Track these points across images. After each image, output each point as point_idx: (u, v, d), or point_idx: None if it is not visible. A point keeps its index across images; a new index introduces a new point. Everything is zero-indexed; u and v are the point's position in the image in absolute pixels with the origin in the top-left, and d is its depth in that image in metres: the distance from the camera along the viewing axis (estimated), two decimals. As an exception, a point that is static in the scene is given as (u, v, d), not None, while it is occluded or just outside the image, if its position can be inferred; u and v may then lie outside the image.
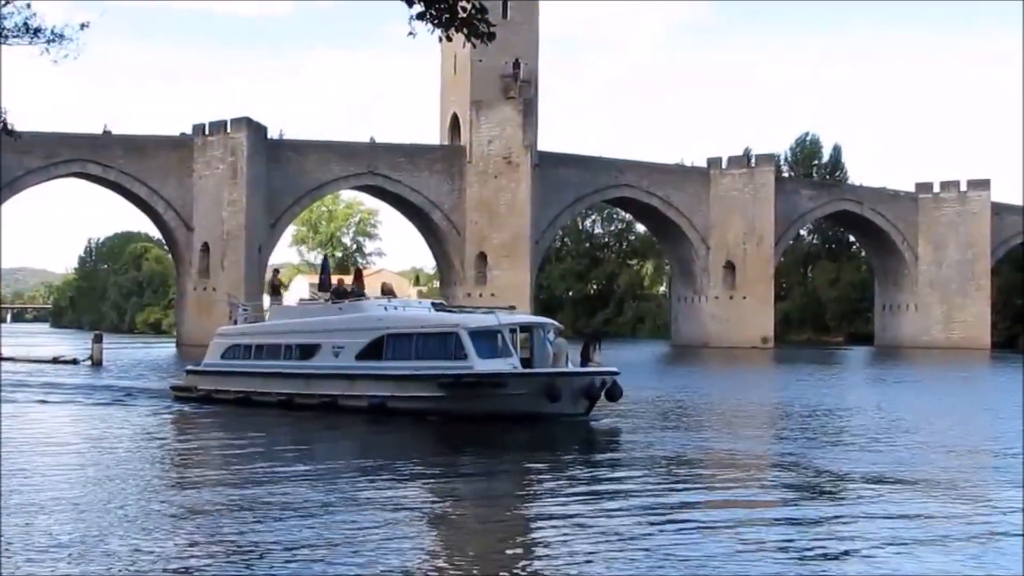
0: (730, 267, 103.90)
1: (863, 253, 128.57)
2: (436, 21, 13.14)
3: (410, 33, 13.11)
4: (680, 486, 20.65)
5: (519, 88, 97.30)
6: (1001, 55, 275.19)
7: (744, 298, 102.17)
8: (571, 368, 31.81)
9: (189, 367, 41.07)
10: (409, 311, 35.41)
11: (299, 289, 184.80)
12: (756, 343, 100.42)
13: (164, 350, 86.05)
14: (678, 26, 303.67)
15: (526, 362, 31.99)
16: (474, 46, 13.71)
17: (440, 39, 13.72)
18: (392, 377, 32.97)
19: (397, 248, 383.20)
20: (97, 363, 61.49)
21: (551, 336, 33.17)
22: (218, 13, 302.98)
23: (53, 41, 15.98)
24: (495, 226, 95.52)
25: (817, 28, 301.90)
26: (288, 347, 36.42)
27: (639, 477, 21.74)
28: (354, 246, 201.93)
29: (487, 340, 31.65)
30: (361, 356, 33.99)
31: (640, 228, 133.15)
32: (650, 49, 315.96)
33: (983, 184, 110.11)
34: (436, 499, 19.51)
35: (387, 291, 38.36)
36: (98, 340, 65.33)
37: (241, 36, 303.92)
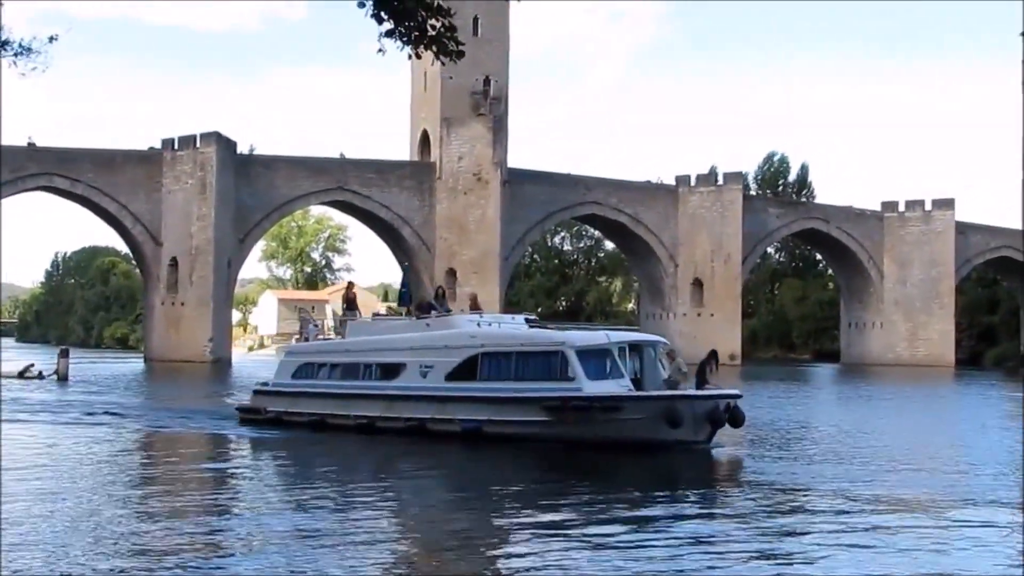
0: (698, 284, 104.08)
1: (829, 271, 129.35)
2: (405, 39, 13.05)
3: (380, 50, 12.97)
4: (861, 535, 17.66)
5: (489, 105, 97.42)
6: (966, 76, 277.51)
7: (712, 315, 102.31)
8: (693, 391, 28.93)
9: (256, 387, 37.91)
10: (505, 327, 32.65)
11: (267, 304, 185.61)
12: (724, 360, 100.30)
13: (131, 365, 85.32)
14: (647, 46, 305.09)
15: (636, 383, 29.36)
16: (443, 64, 13.61)
17: (409, 56, 13.58)
18: (489, 399, 30.29)
19: (366, 264, 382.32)
20: (63, 378, 60.48)
21: (662, 355, 30.56)
22: (187, 28, 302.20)
23: (21, 54, 15.39)
24: (464, 242, 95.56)
25: (784, 49, 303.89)
26: (368, 366, 33.73)
27: (791, 524, 18.56)
28: (323, 261, 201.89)
29: (595, 359, 29.12)
30: (452, 376, 31.29)
31: (609, 245, 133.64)
32: (620, 68, 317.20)
33: (947, 203, 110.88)
34: (547, 536, 17.43)
35: (475, 306, 36.14)
36: (64, 355, 64.43)
37: (211, 52, 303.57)
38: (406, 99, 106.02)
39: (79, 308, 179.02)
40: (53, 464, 25.48)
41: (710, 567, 15.08)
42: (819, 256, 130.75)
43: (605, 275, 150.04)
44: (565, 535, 17.34)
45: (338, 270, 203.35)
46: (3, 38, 15.57)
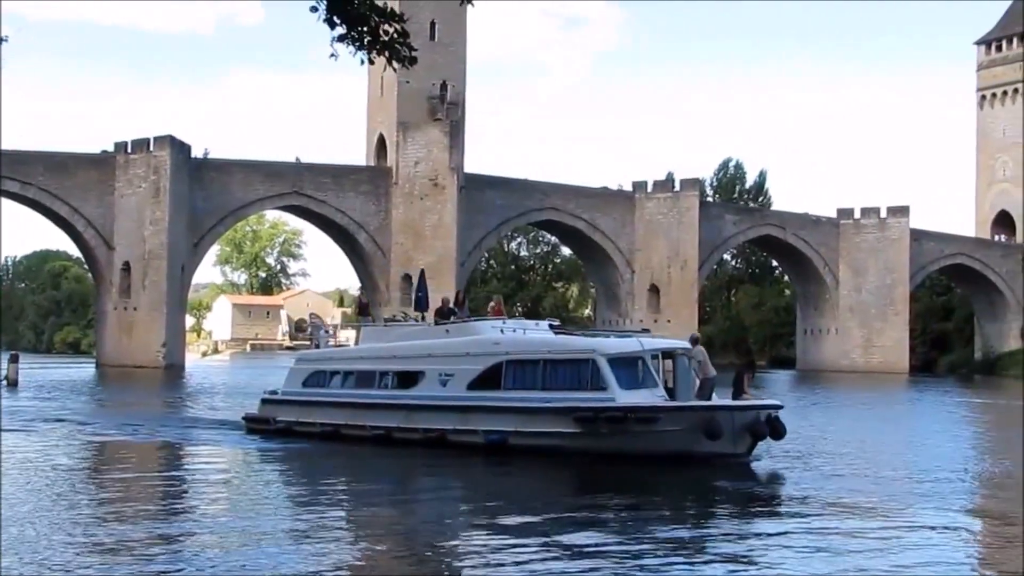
0: (655, 290, 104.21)
1: (786, 278, 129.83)
2: (358, 44, 13.00)
3: (332, 55, 12.95)
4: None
5: (446, 110, 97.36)
6: (922, 85, 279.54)
7: (668, 321, 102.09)
8: (733, 401, 27.83)
9: (265, 395, 35.85)
10: (531, 334, 30.59)
11: (221, 309, 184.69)
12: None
13: (83, 371, 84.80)
14: (606, 52, 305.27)
15: (668, 393, 27.91)
16: (395, 70, 13.45)
17: (362, 62, 13.30)
18: (515, 410, 28.73)
19: (321, 269, 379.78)
20: (13, 384, 58.82)
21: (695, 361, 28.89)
22: (142, 31, 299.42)
23: None
24: (421, 248, 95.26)
25: (743, 57, 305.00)
26: (384, 374, 32.07)
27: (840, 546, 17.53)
28: (278, 267, 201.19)
29: (627, 368, 27.80)
30: (475, 385, 29.73)
31: (566, 251, 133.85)
32: (579, 73, 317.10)
33: (902, 211, 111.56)
34: (579, 557, 16.29)
35: (498, 311, 34.31)
36: (14, 360, 62.85)
37: (165, 55, 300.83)
38: (362, 104, 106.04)
39: (29, 313, 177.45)
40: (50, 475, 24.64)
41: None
42: (775, 263, 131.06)
43: (562, 281, 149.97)
44: (599, 556, 16.43)
45: (293, 275, 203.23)
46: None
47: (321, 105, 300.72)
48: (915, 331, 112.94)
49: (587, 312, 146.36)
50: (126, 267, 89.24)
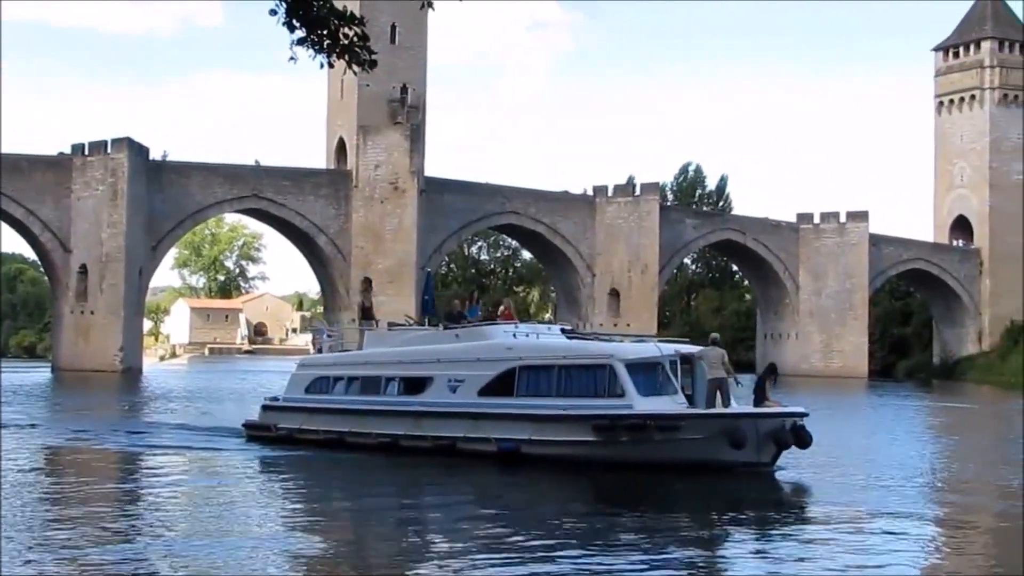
0: (615, 295, 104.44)
1: (746, 282, 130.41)
2: (317, 47, 13.01)
3: (291, 58, 12.98)
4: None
5: (406, 114, 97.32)
6: (880, 91, 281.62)
7: (628, 325, 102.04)
8: (757, 408, 27.19)
9: (265, 402, 34.91)
10: (544, 339, 29.90)
11: (179, 313, 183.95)
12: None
13: (39, 375, 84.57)
14: (566, 56, 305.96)
15: (687, 399, 27.17)
16: (355, 73, 13.36)
17: (322, 65, 13.42)
18: (528, 417, 27.76)
19: (281, 273, 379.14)
20: None
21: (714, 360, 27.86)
22: (99, 31, 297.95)
23: None
24: (381, 251, 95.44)
25: (703, 63, 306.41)
26: (390, 380, 31.04)
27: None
28: (237, 270, 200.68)
29: (646, 374, 26.91)
30: (486, 391, 28.78)
31: (526, 255, 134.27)
32: (539, 77, 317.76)
33: (862, 216, 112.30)
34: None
35: (508, 315, 32.93)
36: None
37: (123, 56, 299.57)
38: (322, 106, 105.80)
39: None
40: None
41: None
42: (735, 267, 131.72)
43: (523, 285, 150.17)
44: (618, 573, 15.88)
45: (252, 279, 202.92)
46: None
47: (281, 108, 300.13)
48: (874, 335, 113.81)
49: (547, 316, 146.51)
50: (83, 270, 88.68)
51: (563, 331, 31.06)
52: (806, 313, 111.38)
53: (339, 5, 13.40)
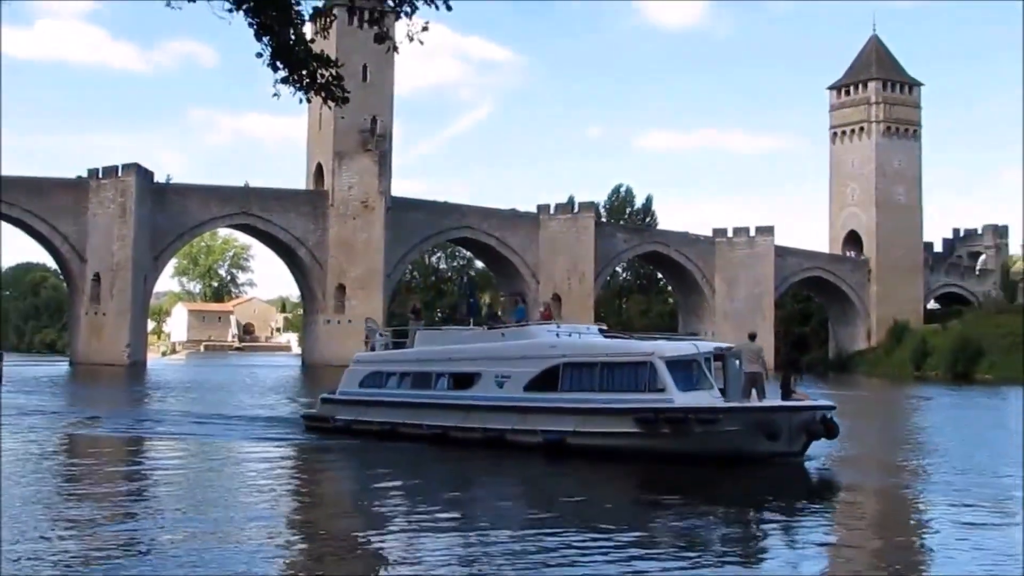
0: (557, 299, 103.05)
1: (669, 288, 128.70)
2: (298, 85, 12.74)
3: (275, 94, 12.83)
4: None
5: (375, 141, 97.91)
6: (786, 123, 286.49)
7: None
8: (790, 402, 25.59)
9: (323, 395, 33.16)
10: (585, 338, 28.53)
11: (179, 315, 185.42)
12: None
13: (58, 368, 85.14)
14: (513, 92, 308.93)
15: (721, 393, 25.70)
16: (330, 108, 14.44)
17: (301, 100, 13.05)
18: (573, 410, 26.30)
19: (266, 279, 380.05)
20: None
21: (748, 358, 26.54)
22: (112, 70, 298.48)
23: None
24: (353, 261, 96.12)
25: (631, 97, 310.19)
26: (440, 375, 29.71)
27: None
28: (229, 277, 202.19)
29: (684, 370, 25.58)
30: (532, 387, 27.35)
31: (480, 264, 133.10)
32: (490, 110, 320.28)
33: (768, 230, 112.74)
34: (645, 558, 14.60)
35: (548, 315, 31.50)
36: None
37: (132, 91, 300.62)
38: (303, 136, 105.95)
39: (13, 317, 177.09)
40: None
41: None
42: (660, 275, 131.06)
43: (476, 290, 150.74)
44: (664, 555, 14.96)
45: (242, 285, 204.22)
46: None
47: (267, 137, 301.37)
48: (779, 334, 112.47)
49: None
50: (96, 278, 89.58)
51: (601, 331, 29.99)
52: (721, 315, 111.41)
53: (316, 48, 13.25)
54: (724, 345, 27.52)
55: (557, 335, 28.38)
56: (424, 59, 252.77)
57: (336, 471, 25.39)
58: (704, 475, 23.17)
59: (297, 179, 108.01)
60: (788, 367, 28.29)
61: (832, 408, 25.52)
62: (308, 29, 13.61)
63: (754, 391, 25.83)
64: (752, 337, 27.75)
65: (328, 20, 14.65)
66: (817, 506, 20.81)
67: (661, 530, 17.16)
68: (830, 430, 24.98)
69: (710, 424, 24.54)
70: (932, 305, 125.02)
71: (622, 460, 24.74)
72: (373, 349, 33.11)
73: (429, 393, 29.70)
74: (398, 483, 22.41)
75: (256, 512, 18.01)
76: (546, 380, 27.14)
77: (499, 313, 33.31)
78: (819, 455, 25.74)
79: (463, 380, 29.14)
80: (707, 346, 26.94)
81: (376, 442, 28.86)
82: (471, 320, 33.20)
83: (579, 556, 14.47)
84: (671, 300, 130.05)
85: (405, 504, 19.66)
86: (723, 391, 25.64)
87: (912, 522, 18.97)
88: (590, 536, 16.02)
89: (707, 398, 25.15)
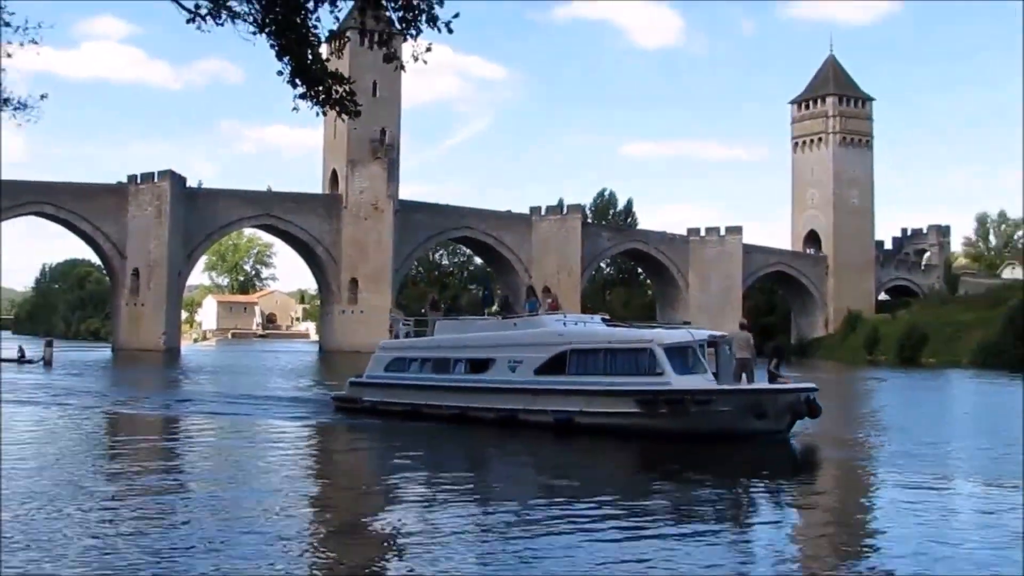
0: (547, 291, 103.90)
1: (648, 282, 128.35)
2: (315, 100, 12.68)
3: (294, 108, 12.85)
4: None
5: (385, 150, 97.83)
6: (754, 133, 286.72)
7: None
8: (776, 385, 25.39)
9: (352, 379, 32.80)
10: (590, 327, 28.45)
11: (209, 306, 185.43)
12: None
13: (101, 353, 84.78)
14: (509, 105, 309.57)
15: (714, 377, 25.60)
16: (344, 120, 14.12)
17: (317, 114, 12.96)
18: (580, 392, 26.18)
19: (287, 274, 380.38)
20: (48, 363, 59.31)
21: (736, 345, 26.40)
22: (149, 85, 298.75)
23: (19, 109, 14.93)
24: (364, 258, 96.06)
25: (616, 111, 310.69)
26: (457, 361, 29.56)
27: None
28: (253, 272, 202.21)
29: (680, 355, 25.39)
30: (542, 371, 27.21)
31: (478, 260, 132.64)
32: (488, 121, 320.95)
33: (737, 230, 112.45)
34: (649, 529, 14.37)
35: (555, 306, 31.59)
36: (49, 344, 63.92)
37: (168, 105, 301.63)
38: (320, 145, 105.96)
39: (61, 308, 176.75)
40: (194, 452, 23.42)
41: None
42: (640, 270, 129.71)
43: (475, 284, 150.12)
44: (662, 522, 14.97)
45: (265, 279, 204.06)
46: (4, 96, 15.08)
47: (288, 146, 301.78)
48: (747, 323, 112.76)
49: (495, 308, 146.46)
50: (135, 273, 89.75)
51: (604, 320, 29.74)
52: (695, 306, 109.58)
53: (332, 67, 13.16)
54: (717, 333, 27.52)
55: (564, 324, 28.29)
56: (428, 77, 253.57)
57: (364, 448, 25.40)
58: (699, 451, 23.19)
59: (314, 184, 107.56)
60: (773, 354, 28.17)
61: (815, 390, 25.21)
62: (324, 50, 13.66)
63: (744, 375, 25.81)
64: (742, 327, 27.64)
65: (342, 42, 14.94)
66: (800, 477, 21.10)
67: (659, 499, 17.25)
68: (813, 410, 24.78)
69: (704, 405, 24.55)
70: (883, 297, 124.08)
71: (624, 437, 24.64)
72: (397, 337, 32.98)
73: (448, 377, 29.63)
74: (420, 455, 22.55)
75: (292, 482, 18.49)
76: (555, 365, 27.03)
77: (512, 305, 33.34)
78: (798, 432, 25.70)
79: (479, 365, 29.03)
80: (701, 334, 26.68)
81: (400, 421, 28.87)
82: (485, 310, 33.36)
83: (585, 523, 14.52)
84: (650, 293, 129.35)
85: (426, 475, 19.74)
86: (716, 375, 25.68)
87: (874, 487, 19.44)
88: (594, 504, 16.05)
89: (702, 381, 25.12)
